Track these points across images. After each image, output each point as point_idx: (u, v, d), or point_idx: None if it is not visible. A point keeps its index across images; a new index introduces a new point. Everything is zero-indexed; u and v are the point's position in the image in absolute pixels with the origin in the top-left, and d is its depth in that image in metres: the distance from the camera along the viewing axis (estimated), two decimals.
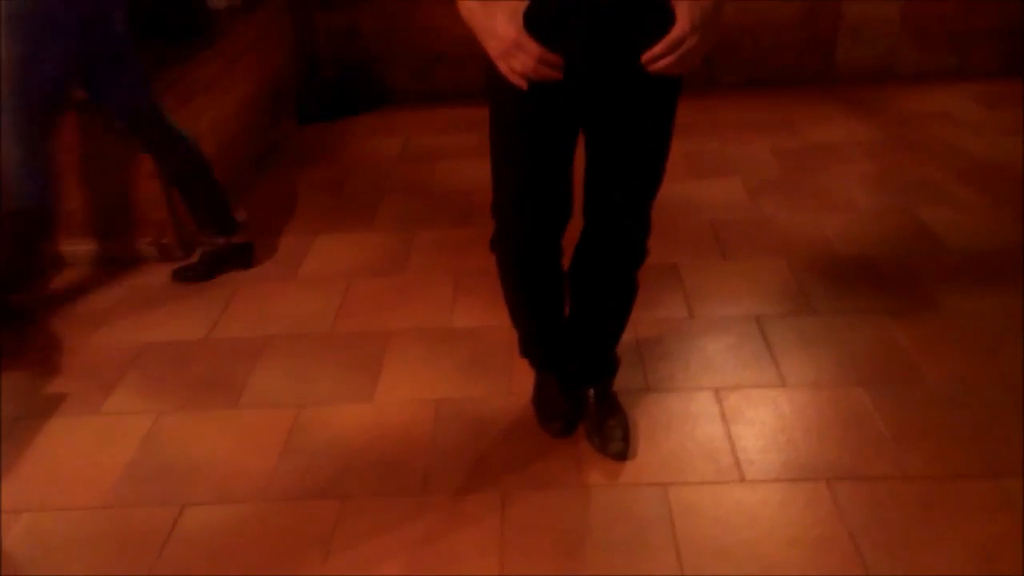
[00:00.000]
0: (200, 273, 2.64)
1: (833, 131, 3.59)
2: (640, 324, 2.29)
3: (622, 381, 2.03)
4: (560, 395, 1.96)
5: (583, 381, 1.97)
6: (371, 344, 2.31)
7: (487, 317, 2.39)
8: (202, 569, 1.63)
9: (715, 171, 3.26)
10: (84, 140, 2.59)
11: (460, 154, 3.56)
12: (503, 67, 1.37)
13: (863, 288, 2.44)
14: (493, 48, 1.37)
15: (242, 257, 2.69)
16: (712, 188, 3.12)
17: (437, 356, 2.26)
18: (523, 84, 1.37)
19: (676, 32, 1.32)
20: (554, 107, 1.48)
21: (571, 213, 1.67)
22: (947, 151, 3.32)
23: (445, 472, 1.85)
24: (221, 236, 2.62)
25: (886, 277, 2.49)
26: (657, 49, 1.33)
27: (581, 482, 1.81)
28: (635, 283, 1.82)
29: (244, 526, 1.72)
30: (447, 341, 2.31)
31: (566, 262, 1.79)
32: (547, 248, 1.71)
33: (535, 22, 1.35)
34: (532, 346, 1.97)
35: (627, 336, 2.09)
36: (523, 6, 1.34)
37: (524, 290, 1.81)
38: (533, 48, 1.33)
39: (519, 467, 1.86)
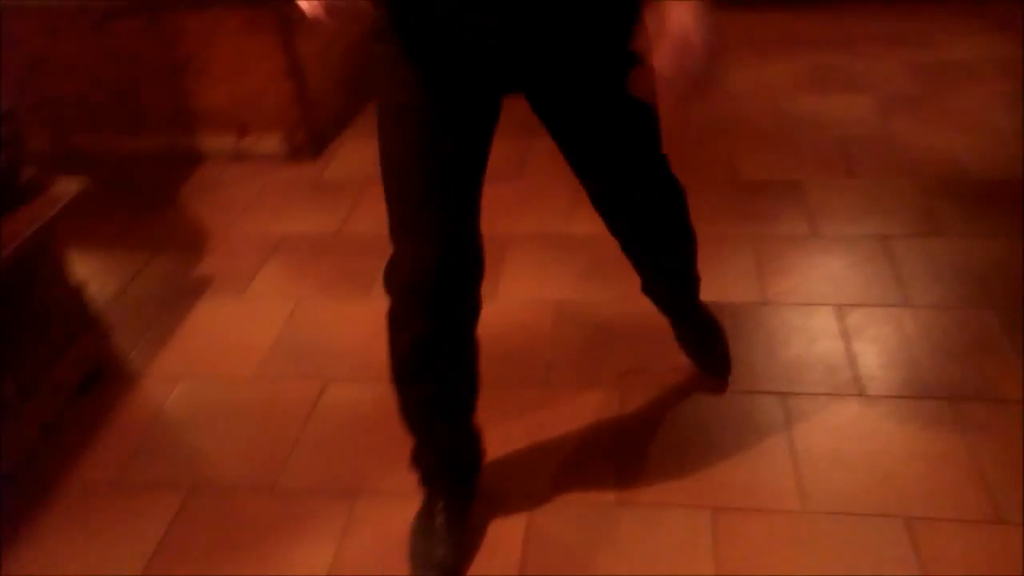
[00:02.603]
0: None
1: (971, 47, 3.39)
2: (759, 240, 2.29)
3: (737, 293, 2.05)
4: (449, 534, 1.50)
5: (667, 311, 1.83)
6: (492, 247, 2.34)
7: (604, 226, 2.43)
8: (346, 438, 1.78)
9: (843, 86, 3.15)
10: (223, 39, 2.69)
11: None
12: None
13: (995, 212, 2.36)
14: None
15: None
16: (839, 103, 3.02)
17: (555, 261, 2.32)
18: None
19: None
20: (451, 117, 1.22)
21: (482, 265, 1.37)
22: None
23: (565, 368, 1.94)
24: None
25: (1020, 201, 2.40)
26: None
27: (697, 387, 1.86)
28: (687, 224, 1.62)
29: (383, 402, 1.84)
30: (565, 247, 2.37)
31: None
32: (459, 294, 1.35)
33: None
34: (430, 447, 1.53)
35: (745, 250, 2.10)
36: None
37: (426, 356, 1.38)
38: None
39: (636, 369, 1.93)
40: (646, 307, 2.08)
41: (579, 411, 1.82)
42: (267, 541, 1.57)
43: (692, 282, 1.79)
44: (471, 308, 1.37)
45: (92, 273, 2.24)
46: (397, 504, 1.61)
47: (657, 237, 1.58)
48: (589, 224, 2.44)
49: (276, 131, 2.85)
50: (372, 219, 2.53)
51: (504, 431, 1.76)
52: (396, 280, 1.30)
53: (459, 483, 1.57)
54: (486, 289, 2.16)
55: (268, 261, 2.37)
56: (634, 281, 2.20)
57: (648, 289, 1.77)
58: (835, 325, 2.00)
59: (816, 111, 2.97)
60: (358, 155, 2.91)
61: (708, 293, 2.14)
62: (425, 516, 1.54)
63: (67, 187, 1.77)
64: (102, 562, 1.57)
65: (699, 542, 1.52)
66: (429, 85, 1.18)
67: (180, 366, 2.01)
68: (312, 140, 2.86)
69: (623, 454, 1.71)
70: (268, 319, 2.14)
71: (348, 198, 2.66)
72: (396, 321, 1.34)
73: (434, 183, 1.24)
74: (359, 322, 2.11)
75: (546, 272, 2.26)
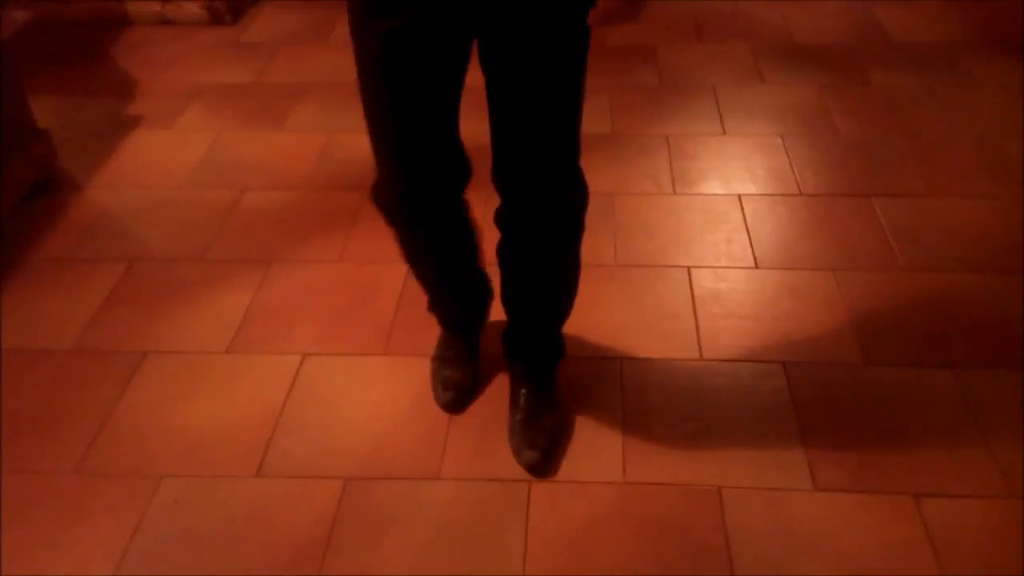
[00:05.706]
0: None
1: None
2: (615, 89, 2.74)
3: (592, 127, 2.47)
4: (462, 363, 1.73)
5: (518, 361, 1.69)
6: None
7: None
8: (262, 226, 2.19)
9: None
10: None
11: None
12: None
13: (809, 67, 2.86)
14: None
15: None
16: None
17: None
18: None
19: None
20: (427, 38, 1.21)
21: (469, 171, 1.40)
22: None
23: None
24: None
25: (831, 60, 2.90)
26: None
27: (614, 263, 2.24)
28: (576, 260, 1.51)
29: (292, 204, 2.27)
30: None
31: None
32: (443, 207, 1.44)
33: None
34: (439, 306, 1.73)
35: (603, 97, 2.48)
36: None
37: (423, 252, 1.55)
38: None
39: None
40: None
41: None
42: (197, 292, 1.99)
43: (559, 325, 1.63)
44: (456, 210, 1.47)
45: None
46: (303, 268, 2.04)
47: (556, 247, 1.45)
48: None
49: None
50: (286, 73, 2.91)
51: None
52: (380, 202, 1.42)
53: (471, 323, 1.74)
54: None
55: (192, 104, 2.72)
56: None
57: (510, 301, 1.59)
58: (664, 147, 2.48)
59: None
60: (273, 21, 3.25)
61: None
62: (443, 347, 1.76)
63: (19, 15, 2.09)
64: (58, 311, 1.94)
65: (609, 385, 1.74)
66: (396, 31, 1.20)
67: (119, 178, 2.38)
68: (230, 7, 3.17)
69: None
70: (193, 145, 2.51)
71: (264, 56, 3.00)
72: (394, 227, 1.47)
73: (403, 123, 1.30)
74: (273, 147, 2.50)
75: None
